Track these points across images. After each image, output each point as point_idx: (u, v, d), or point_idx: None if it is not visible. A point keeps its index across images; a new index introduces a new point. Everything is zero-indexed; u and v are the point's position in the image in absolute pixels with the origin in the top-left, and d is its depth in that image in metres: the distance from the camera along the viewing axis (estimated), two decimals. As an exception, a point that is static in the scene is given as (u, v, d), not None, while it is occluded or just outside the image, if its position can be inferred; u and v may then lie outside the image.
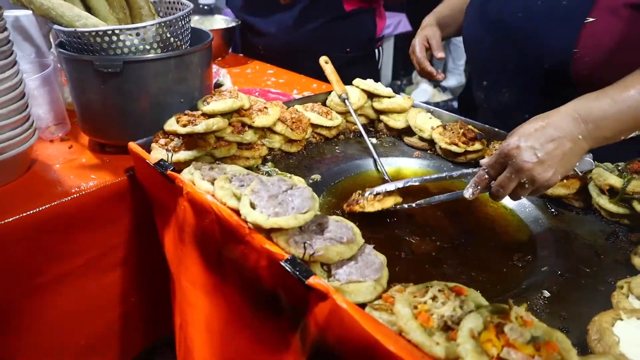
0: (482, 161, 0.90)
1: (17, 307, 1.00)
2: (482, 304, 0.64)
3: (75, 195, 1.01)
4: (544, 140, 0.81)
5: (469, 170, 0.92)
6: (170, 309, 1.10)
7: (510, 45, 1.18)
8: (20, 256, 0.98)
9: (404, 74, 5.16)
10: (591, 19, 1.03)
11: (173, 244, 0.96)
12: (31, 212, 0.96)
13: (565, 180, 1.03)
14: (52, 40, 1.47)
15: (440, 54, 1.34)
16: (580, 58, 1.05)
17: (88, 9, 1.13)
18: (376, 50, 2.05)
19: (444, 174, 0.99)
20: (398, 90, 4.26)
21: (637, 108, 0.83)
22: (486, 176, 0.88)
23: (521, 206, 1.05)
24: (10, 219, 0.93)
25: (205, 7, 4.40)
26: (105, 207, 1.07)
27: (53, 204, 0.98)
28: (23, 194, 1.01)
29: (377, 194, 0.99)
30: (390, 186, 1.00)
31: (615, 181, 0.98)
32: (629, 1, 1.01)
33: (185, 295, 0.95)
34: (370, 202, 0.97)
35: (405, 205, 1.01)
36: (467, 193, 0.90)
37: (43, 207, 0.97)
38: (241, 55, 2.05)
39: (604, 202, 0.99)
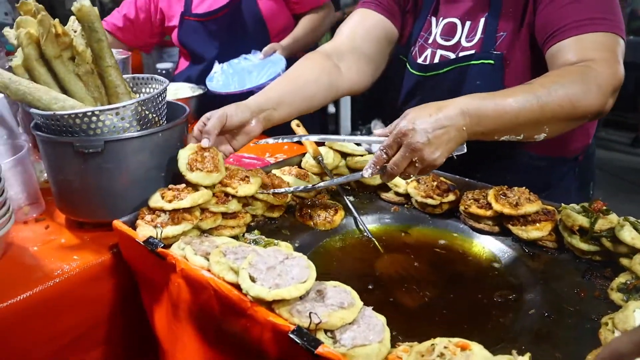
0: (377, 132, 1.00)
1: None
2: (486, 356, 0.66)
3: (57, 280, 0.99)
4: (436, 126, 0.92)
5: (364, 138, 1.06)
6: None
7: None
8: (2, 343, 0.94)
9: (362, 123, 5.33)
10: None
11: (166, 321, 0.95)
12: (11, 302, 0.93)
13: (537, 224, 1.09)
14: (19, 120, 1.47)
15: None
16: None
17: (64, 91, 1.15)
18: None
19: (347, 137, 1.14)
20: (358, 140, 4.42)
21: (511, 114, 0.96)
22: (384, 156, 0.97)
23: (501, 252, 1.10)
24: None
25: (163, 72, 4.45)
26: (90, 287, 1.05)
27: (35, 290, 0.96)
28: (0, 283, 0.98)
29: None
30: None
31: (583, 221, 1.05)
32: (527, 66, 1.21)
33: (181, 374, 0.93)
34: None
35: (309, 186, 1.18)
36: (367, 173, 1.00)
37: (25, 295, 0.94)
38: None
39: (575, 241, 1.05)
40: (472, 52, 1.25)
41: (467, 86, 1.25)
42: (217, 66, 2.02)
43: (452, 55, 1.29)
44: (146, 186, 1.10)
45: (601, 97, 1.01)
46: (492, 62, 1.21)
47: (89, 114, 1.05)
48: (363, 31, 1.39)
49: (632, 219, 1.03)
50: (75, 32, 1.18)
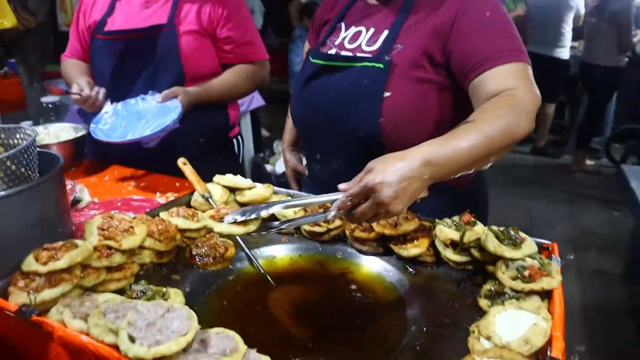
0: (342, 187, 1.03)
1: None
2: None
3: None
4: (401, 179, 0.96)
5: (333, 197, 1.03)
6: None
7: (328, 122, 1.42)
8: None
9: (268, 138, 5.37)
10: (387, 94, 1.30)
11: (49, 392, 0.90)
12: None
13: (416, 242, 1.18)
14: None
15: (306, 173, 1.68)
16: (385, 125, 1.31)
17: None
18: (234, 140, 2.13)
19: (309, 200, 1.09)
20: (262, 162, 4.42)
21: (467, 155, 1.03)
22: (349, 203, 1.01)
23: (387, 271, 1.17)
24: None
25: (50, 105, 4.18)
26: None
27: None
28: None
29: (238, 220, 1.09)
30: (254, 213, 1.10)
31: (454, 235, 1.14)
32: (414, 76, 1.30)
33: None
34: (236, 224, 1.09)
35: (275, 224, 1.14)
36: (330, 215, 1.04)
37: None
38: (96, 161, 1.99)
39: (449, 254, 1.15)
40: (369, 55, 1.36)
41: (355, 83, 1.36)
42: (108, 106, 1.81)
43: (351, 55, 1.41)
44: (19, 248, 1.03)
45: (530, 121, 1.12)
46: (381, 66, 1.32)
47: (-55, 177, 0.98)
48: None
49: (494, 228, 1.14)
50: None
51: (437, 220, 1.21)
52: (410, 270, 1.17)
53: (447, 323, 0.99)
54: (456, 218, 1.20)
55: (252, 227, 1.10)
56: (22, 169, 1.12)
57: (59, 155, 1.24)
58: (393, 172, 0.96)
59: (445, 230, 1.15)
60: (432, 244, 1.19)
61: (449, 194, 1.45)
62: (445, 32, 1.27)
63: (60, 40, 3.91)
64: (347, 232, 1.24)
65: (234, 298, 1.11)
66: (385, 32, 1.36)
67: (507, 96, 1.15)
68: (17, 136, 1.24)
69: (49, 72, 4.57)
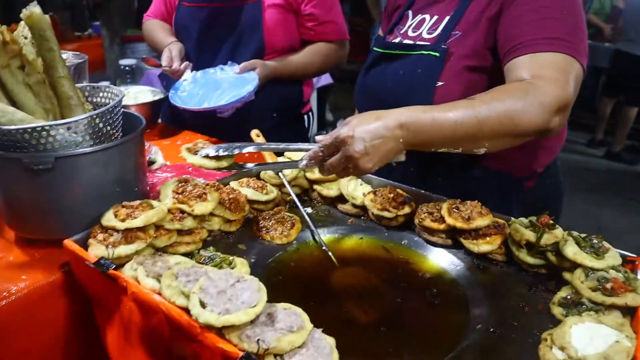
0: (318, 137, 1.04)
1: None
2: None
3: (4, 302, 0.95)
4: (374, 136, 0.97)
5: (308, 146, 1.06)
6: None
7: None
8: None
9: (332, 122, 5.36)
10: (440, 83, 1.27)
11: (117, 343, 0.94)
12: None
13: (488, 238, 1.13)
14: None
15: None
16: None
17: (13, 102, 1.12)
18: (305, 117, 2.13)
19: (283, 145, 1.15)
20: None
21: (449, 129, 1.00)
22: (320, 154, 1.02)
23: (453, 265, 1.13)
24: None
25: (127, 68, 4.34)
26: (40, 309, 1.02)
27: (-21, 315, 0.93)
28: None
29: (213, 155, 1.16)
30: (227, 150, 1.16)
31: (530, 236, 1.09)
32: (468, 65, 1.25)
33: (133, 396, 0.92)
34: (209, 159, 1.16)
35: (248, 165, 1.22)
36: (301, 164, 1.06)
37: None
38: (169, 125, 2.06)
39: (522, 255, 1.09)
40: (427, 43, 1.33)
41: (410, 71, 1.34)
42: (188, 74, 1.86)
43: (412, 43, 1.38)
44: (100, 202, 1.08)
45: (543, 115, 1.03)
46: (437, 54, 1.28)
47: (39, 129, 1.02)
48: None
49: (575, 233, 1.08)
50: (25, 38, 1.15)
51: (512, 219, 1.15)
52: (479, 266, 1.12)
53: (516, 326, 0.94)
54: (533, 218, 1.14)
55: (224, 164, 1.17)
56: (108, 127, 1.16)
57: (141, 116, 1.28)
58: (367, 128, 0.96)
59: (522, 230, 1.10)
60: (504, 242, 1.14)
61: (513, 187, 1.38)
62: (500, 15, 1.21)
63: (142, 6, 4.03)
64: (416, 221, 1.21)
65: (297, 274, 1.11)
66: (447, 19, 1.32)
67: (525, 83, 1.07)
68: (101, 94, 1.29)
69: (130, 36, 4.76)
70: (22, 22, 1.13)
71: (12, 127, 1.02)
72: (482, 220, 1.15)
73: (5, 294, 0.97)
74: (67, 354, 1.09)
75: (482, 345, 0.89)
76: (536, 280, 1.07)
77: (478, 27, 1.25)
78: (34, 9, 1.06)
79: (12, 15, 1.07)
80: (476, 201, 1.20)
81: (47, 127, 1.03)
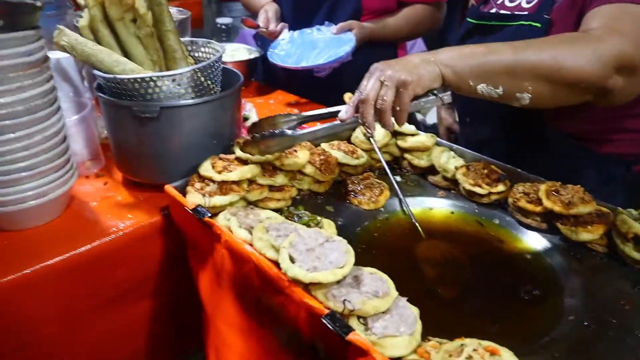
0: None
1: (50, 338, 1.04)
2: (516, 364, 0.66)
3: (112, 237, 1.05)
4: (403, 60, 1.00)
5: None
6: (196, 337, 1.13)
7: None
8: (57, 293, 1.02)
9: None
10: None
11: (209, 286, 1.00)
12: (72, 253, 1.00)
13: (589, 227, 1.05)
14: (84, 74, 1.53)
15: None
16: None
17: (125, 53, 1.18)
18: None
19: (320, 111, 1.15)
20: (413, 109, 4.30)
21: (487, 62, 0.96)
22: (356, 100, 1.01)
23: (546, 250, 1.07)
24: (55, 260, 0.97)
25: (223, 27, 4.46)
26: (141, 245, 1.11)
27: (93, 244, 1.02)
28: (64, 233, 1.05)
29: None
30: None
31: (639, 229, 1.00)
32: None
33: (220, 336, 0.98)
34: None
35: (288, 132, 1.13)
36: (343, 113, 1.04)
37: (83, 249, 1.01)
38: (263, 84, 2.09)
39: (628, 249, 1.01)
40: (526, 13, 1.24)
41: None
42: (285, 33, 1.89)
43: (509, 13, 1.30)
44: (198, 152, 1.13)
45: (596, 65, 0.93)
46: (539, 25, 1.19)
47: (147, 79, 1.08)
48: None
49: (694, 231, 0.97)
50: (137, -7, 1.20)
51: (619, 209, 1.06)
52: (576, 255, 1.05)
53: (613, 324, 0.88)
54: (644, 209, 1.04)
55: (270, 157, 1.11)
56: (209, 81, 1.20)
57: (239, 72, 1.30)
58: (392, 62, 0.98)
59: (630, 222, 1.01)
60: (607, 233, 1.06)
61: (619, 170, 1.28)
62: None
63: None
64: (510, 200, 1.15)
65: (382, 242, 1.10)
66: None
67: (582, 32, 0.99)
68: (202, 49, 1.33)
69: (227, -6, 4.85)
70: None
71: (125, 76, 1.09)
72: (584, 207, 1.07)
73: (114, 229, 1.06)
74: (159, 285, 1.18)
75: (574, 337, 0.84)
76: (641, 277, 0.99)
77: None
78: (146, -35, 1.11)
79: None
80: (579, 186, 1.11)
81: (154, 78, 1.09)
